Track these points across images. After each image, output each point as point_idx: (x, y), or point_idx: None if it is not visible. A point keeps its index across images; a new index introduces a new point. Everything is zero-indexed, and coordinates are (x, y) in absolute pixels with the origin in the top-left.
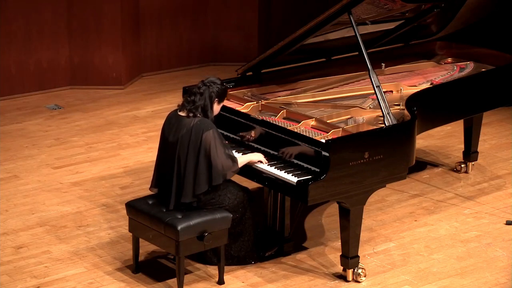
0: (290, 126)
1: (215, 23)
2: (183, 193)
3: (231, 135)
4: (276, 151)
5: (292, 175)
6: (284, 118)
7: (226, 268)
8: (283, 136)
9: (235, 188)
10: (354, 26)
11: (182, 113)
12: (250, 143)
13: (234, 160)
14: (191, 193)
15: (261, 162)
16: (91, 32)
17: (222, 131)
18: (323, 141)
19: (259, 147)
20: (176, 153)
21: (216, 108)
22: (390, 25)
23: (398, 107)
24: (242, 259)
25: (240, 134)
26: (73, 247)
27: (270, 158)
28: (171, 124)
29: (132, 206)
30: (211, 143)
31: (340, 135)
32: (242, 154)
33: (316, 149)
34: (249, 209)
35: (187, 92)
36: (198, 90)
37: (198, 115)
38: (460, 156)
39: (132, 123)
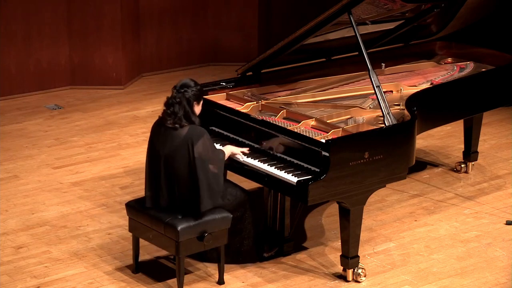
0: (290, 126)
1: (215, 23)
2: (196, 204)
3: (231, 135)
4: (276, 151)
5: (292, 175)
6: (284, 118)
7: (226, 268)
8: (283, 136)
9: (234, 189)
10: (354, 26)
11: (169, 125)
12: (250, 143)
13: (222, 158)
14: (197, 209)
15: (242, 154)
16: (91, 32)
17: (222, 131)
18: (323, 141)
19: (259, 147)
20: (169, 165)
21: (197, 109)
22: (390, 25)
23: (398, 107)
24: (240, 260)
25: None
26: (73, 247)
27: (270, 158)
28: (160, 136)
29: (132, 206)
30: (205, 155)
31: (340, 135)
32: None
33: (316, 149)
34: (249, 210)
35: (165, 104)
36: (175, 100)
37: (184, 124)
38: (460, 156)
39: (132, 123)
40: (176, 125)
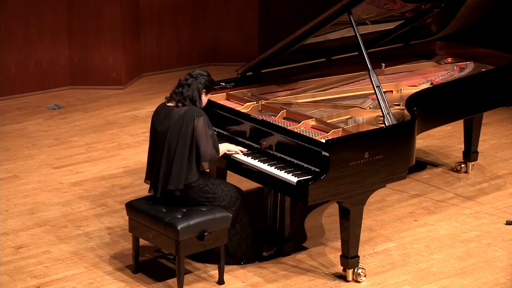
0: (290, 126)
1: (215, 23)
2: (170, 180)
3: (231, 135)
4: (276, 151)
5: (292, 175)
6: (284, 118)
7: (226, 268)
8: (283, 136)
9: (228, 184)
10: (354, 26)
11: (170, 104)
12: (250, 143)
13: (217, 150)
14: (182, 180)
15: (238, 152)
16: (91, 32)
17: (222, 131)
18: (323, 141)
19: (259, 147)
20: (166, 141)
21: (204, 99)
22: (390, 25)
23: (398, 107)
24: (239, 259)
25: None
26: (73, 247)
27: (270, 158)
28: (160, 116)
29: (132, 206)
30: (202, 130)
31: (340, 135)
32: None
33: (316, 149)
34: (243, 209)
35: (176, 85)
36: (186, 82)
37: (187, 104)
38: (460, 156)
39: (132, 123)
40: (179, 104)
